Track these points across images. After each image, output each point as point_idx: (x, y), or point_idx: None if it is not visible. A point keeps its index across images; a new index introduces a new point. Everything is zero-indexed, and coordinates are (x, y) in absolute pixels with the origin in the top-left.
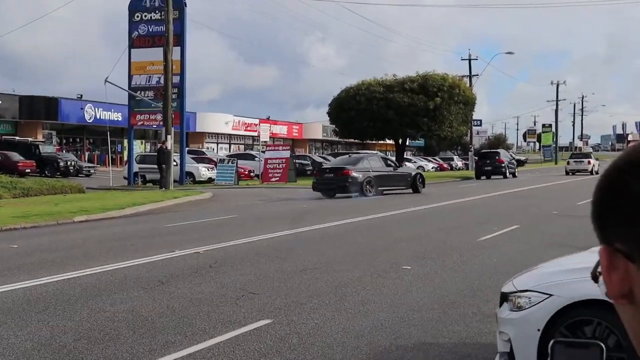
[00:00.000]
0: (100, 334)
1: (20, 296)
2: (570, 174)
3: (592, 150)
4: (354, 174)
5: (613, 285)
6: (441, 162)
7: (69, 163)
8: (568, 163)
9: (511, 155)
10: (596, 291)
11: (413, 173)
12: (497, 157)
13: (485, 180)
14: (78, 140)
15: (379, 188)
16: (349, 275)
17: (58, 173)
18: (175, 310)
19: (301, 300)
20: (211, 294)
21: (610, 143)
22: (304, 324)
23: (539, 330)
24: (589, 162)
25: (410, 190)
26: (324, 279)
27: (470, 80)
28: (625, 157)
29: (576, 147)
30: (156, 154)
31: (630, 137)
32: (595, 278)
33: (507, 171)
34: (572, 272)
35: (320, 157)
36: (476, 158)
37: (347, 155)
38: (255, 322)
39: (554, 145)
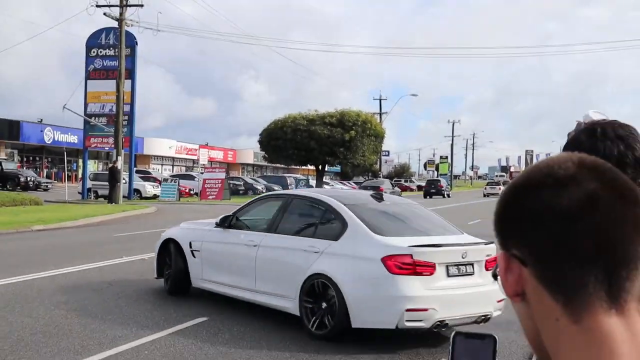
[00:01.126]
0: (55, 329)
1: None
2: (487, 196)
3: (503, 179)
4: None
5: (509, 285)
6: (355, 185)
7: (28, 179)
8: (485, 188)
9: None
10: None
11: None
12: (439, 183)
13: (429, 199)
14: (37, 158)
15: None
16: None
17: (19, 187)
18: (122, 308)
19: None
20: (154, 295)
21: (495, 173)
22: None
23: None
24: (499, 188)
25: None
26: None
27: (380, 117)
28: (521, 178)
29: (469, 177)
30: (107, 172)
31: (512, 169)
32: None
33: (445, 193)
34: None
35: (252, 179)
36: (424, 183)
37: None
38: (192, 320)
39: (449, 174)
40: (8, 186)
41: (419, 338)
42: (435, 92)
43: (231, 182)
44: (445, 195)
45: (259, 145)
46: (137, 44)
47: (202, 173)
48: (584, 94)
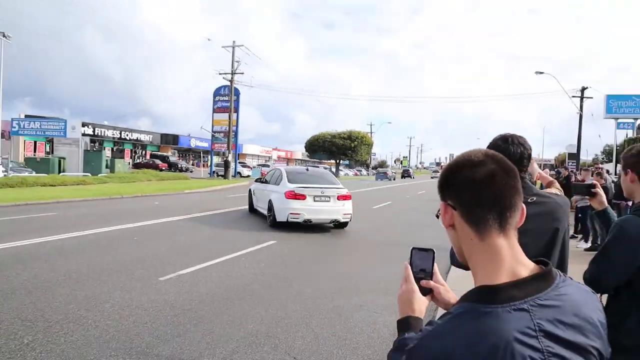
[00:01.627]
0: (190, 246)
1: (142, 229)
2: (433, 178)
3: (439, 169)
4: None
5: (446, 220)
6: (356, 172)
7: (181, 166)
8: (432, 174)
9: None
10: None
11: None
12: (409, 171)
13: (403, 179)
14: (187, 155)
15: None
16: None
17: (177, 170)
18: (227, 235)
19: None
20: (248, 228)
21: (434, 167)
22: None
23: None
24: (438, 174)
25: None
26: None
27: (371, 134)
28: (453, 162)
29: (417, 168)
30: (223, 163)
31: (442, 164)
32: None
33: (412, 176)
34: None
35: (299, 167)
36: (375, 170)
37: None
38: (266, 242)
39: (408, 167)
40: (172, 169)
41: None
42: (402, 121)
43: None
44: (412, 177)
45: (304, 149)
46: (239, 94)
47: (273, 163)
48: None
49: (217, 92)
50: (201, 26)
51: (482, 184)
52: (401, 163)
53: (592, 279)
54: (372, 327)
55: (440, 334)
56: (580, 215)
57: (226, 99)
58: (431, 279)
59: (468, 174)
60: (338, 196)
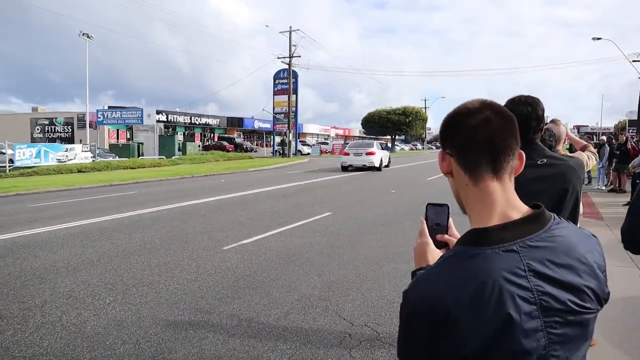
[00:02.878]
0: (252, 217)
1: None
2: None
3: None
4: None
5: (444, 168)
6: (412, 146)
7: (245, 146)
8: None
9: None
10: None
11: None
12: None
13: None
14: (251, 136)
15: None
16: None
17: (242, 150)
18: (288, 208)
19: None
20: (304, 202)
21: None
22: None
23: None
24: None
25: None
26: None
27: (425, 109)
28: (452, 111)
29: None
30: (280, 142)
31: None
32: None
33: None
34: None
35: (358, 140)
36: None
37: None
38: (322, 214)
39: None
40: (237, 150)
41: None
42: (456, 95)
43: (346, 144)
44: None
45: (361, 126)
46: (298, 76)
47: (332, 141)
48: None
49: (276, 76)
50: (259, 13)
51: (476, 129)
52: None
53: (627, 230)
54: None
55: (431, 276)
56: (638, 181)
57: (285, 82)
58: (446, 233)
59: (463, 121)
60: (366, 153)
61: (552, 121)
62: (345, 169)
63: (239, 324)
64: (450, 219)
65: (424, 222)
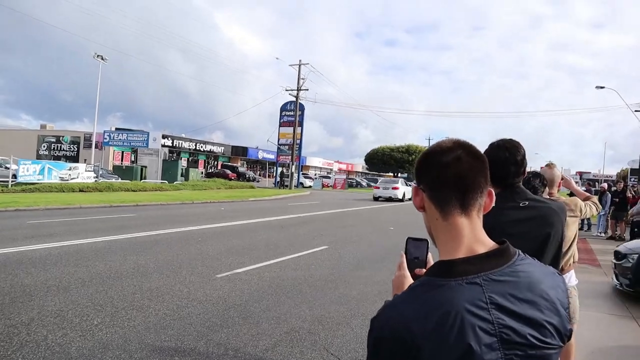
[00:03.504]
0: (247, 245)
1: (213, 230)
2: None
3: None
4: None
5: (417, 202)
6: (414, 184)
7: (248, 175)
8: None
9: None
10: None
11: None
12: (396, 184)
13: None
14: (255, 166)
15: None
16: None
17: (244, 179)
18: (281, 241)
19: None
20: (298, 235)
21: None
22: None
23: None
24: None
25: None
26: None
27: None
28: (427, 149)
29: None
30: (280, 173)
31: None
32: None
33: None
34: None
35: (359, 179)
36: None
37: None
38: (319, 247)
39: None
40: (240, 179)
41: None
42: (460, 136)
43: (349, 179)
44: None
45: (364, 162)
46: (304, 109)
47: (334, 175)
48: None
49: (283, 107)
50: (271, 45)
51: (447, 166)
52: None
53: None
54: None
55: (398, 304)
56: (636, 229)
57: (292, 114)
58: (425, 267)
59: (436, 159)
60: (392, 187)
61: (548, 165)
62: (376, 199)
63: (225, 353)
64: (430, 254)
65: (404, 255)
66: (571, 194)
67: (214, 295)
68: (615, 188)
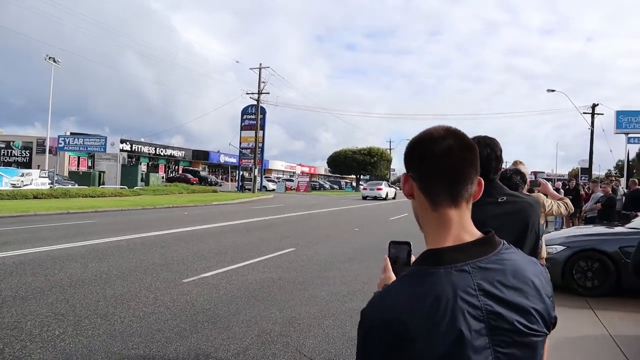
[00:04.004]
0: (224, 249)
1: (187, 232)
2: None
3: None
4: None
5: (406, 190)
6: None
7: (210, 180)
8: None
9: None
10: None
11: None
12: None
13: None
14: (216, 170)
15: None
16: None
17: (206, 184)
18: (249, 244)
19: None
20: (267, 238)
21: None
22: None
23: None
24: None
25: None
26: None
27: (390, 150)
28: (416, 136)
29: None
30: (240, 176)
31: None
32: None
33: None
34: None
35: (322, 182)
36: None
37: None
38: (286, 249)
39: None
40: (202, 183)
41: None
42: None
43: (312, 182)
44: (387, 197)
45: (326, 164)
46: (265, 112)
47: (297, 178)
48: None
49: (244, 111)
50: (231, 48)
51: (438, 157)
52: None
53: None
54: None
55: (388, 293)
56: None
57: (253, 117)
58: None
59: (427, 148)
60: (377, 188)
61: (515, 163)
62: (364, 198)
63: (196, 358)
64: (412, 257)
65: (387, 258)
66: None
67: (182, 300)
68: (568, 186)
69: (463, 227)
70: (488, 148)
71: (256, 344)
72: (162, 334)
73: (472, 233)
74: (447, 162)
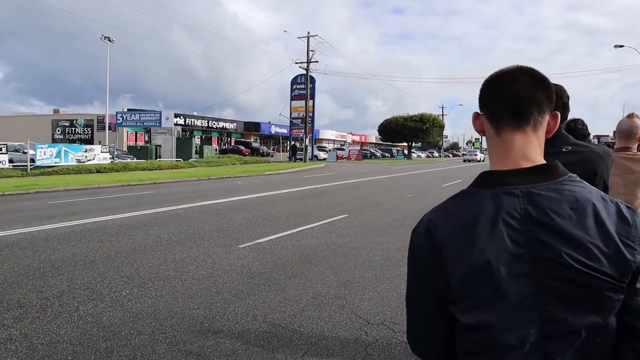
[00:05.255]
0: (280, 215)
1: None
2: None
3: None
4: None
5: (476, 126)
6: (428, 153)
7: (262, 151)
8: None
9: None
10: None
11: None
12: (475, 153)
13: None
14: (268, 141)
15: None
16: None
17: (259, 155)
18: (304, 210)
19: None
20: (321, 205)
21: None
22: None
23: None
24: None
25: None
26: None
27: (443, 116)
28: (489, 75)
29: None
30: (291, 147)
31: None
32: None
33: (480, 159)
34: None
35: (373, 150)
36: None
37: None
38: (340, 215)
39: (481, 148)
40: (254, 154)
41: None
42: (474, 103)
43: (363, 151)
44: (480, 160)
45: (377, 132)
46: (315, 81)
47: (348, 147)
48: None
49: (294, 81)
50: (277, 19)
51: (503, 85)
52: (473, 145)
53: None
54: None
55: (433, 212)
56: None
57: (303, 87)
58: None
59: (495, 78)
60: (474, 154)
61: (629, 116)
62: (465, 161)
63: (254, 319)
64: None
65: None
66: None
67: (238, 264)
68: None
69: (524, 154)
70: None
71: (312, 306)
72: (221, 296)
73: (533, 161)
74: (512, 88)
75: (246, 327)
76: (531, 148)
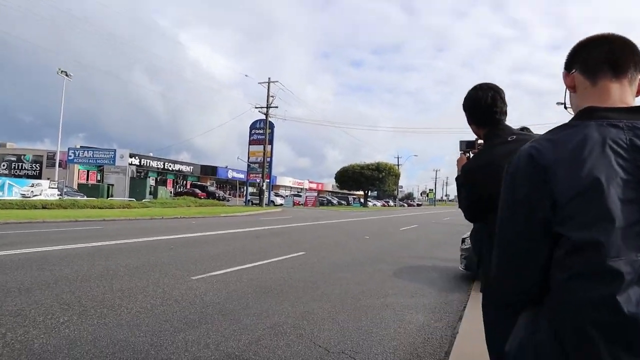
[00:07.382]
0: (236, 250)
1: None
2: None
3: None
4: None
5: (568, 82)
6: (384, 202)
7: (218, 195)
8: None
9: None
10: None
11: None
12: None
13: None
14: (224, 185)
15: None
16: None
17: (214, 198)
18: (260, 250)
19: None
20: (278, 244)
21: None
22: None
23: None
24: None
25: None
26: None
27: (398, 166)
28: (579, 41)
29: (446, 200)
30: (258, 190)
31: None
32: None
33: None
34: None
35: (329, 197)
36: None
37: None
38: (296, 253)
39: (434, 199)
40: (210, 198)
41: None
42: (428, 154)
43: (320, 198)
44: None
45: (334, 180)
46: (274, 126)
47: (306, 193)
48: None
49: (253, 125)
50: (238, 65)
51: (599, 43)
52: (427, 195)
53: None
54: (399, 324)
55: (539, 139)
56: None
57: (261, 132)
58: None
59: (593, 40)
60: None
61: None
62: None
63: (206, 347)
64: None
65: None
66: None
67: (190, 294)
68: None
69: (621, 99)
70: (492, 91)
71: (268, 335)
72: (170, 324)
73: (629, 105)
74: (608, 46)
75: (197, 355)
76: (629, 96)
